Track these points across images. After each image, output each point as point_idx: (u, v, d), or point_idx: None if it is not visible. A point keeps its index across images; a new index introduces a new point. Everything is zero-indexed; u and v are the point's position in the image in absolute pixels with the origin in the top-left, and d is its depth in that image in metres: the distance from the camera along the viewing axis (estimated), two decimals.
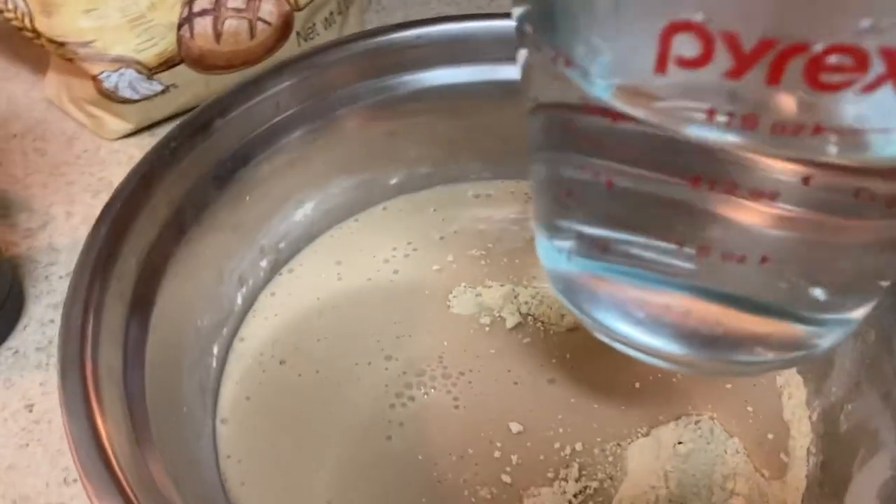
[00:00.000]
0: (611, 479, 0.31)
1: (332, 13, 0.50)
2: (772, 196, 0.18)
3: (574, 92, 0.19)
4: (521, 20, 0.21)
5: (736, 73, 0.16)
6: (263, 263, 0.36)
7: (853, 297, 0.23)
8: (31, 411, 0.36)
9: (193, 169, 0.32)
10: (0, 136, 0.48)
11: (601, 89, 0.18)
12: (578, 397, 0.33)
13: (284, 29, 0.47)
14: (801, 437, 0.32)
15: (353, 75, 0.36)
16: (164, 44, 0.44)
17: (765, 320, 0.23)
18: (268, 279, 0.37)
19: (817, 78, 0.15)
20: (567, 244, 0.24)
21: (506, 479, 0.31)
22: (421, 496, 0.31)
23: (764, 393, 0.33)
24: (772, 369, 0.25)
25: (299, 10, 0.47)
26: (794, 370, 0.34)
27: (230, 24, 0.45)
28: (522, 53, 0.21)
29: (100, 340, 0.26)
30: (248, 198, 0.34)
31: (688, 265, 0.21)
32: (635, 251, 0.22)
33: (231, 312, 0.35)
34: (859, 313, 0.24)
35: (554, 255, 0.25)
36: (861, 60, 0.15)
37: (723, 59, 0.16)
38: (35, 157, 0.47)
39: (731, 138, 0.17)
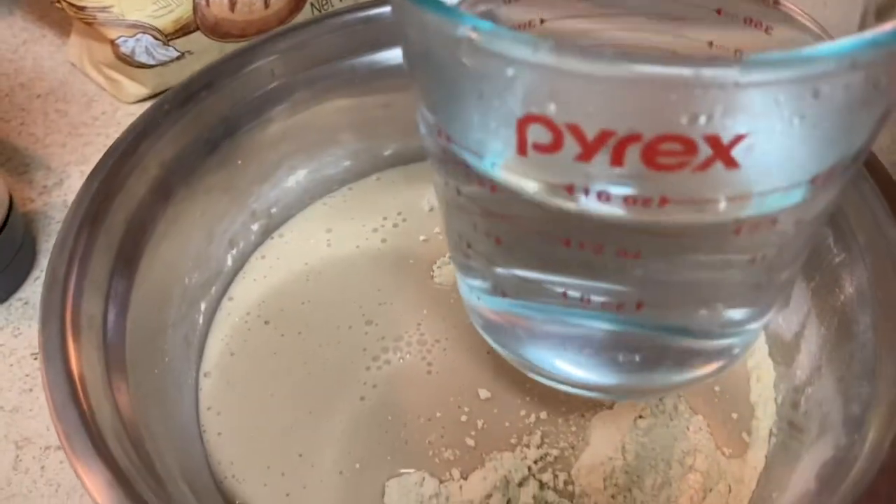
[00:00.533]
0: (572, 448, 0.32)
1: None
2: (636, 255, 0.20)
3: (456, 160, 0.21)
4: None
5: (584, 157, 0.18)
6: (255, 227, 0.38)
7: (744, 316, 0.25)
8: (36, 359, 0.38)
9: (186, 132, 0.33)
10: (24, 97, 0.50)
11: (486, 165, 0.20)
12: None
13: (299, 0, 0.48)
14: (766, 418, 0.33)
15: (349, 46, 0.37)
16: (181, 11, 0.45)
17: (673, 340, 0.25)
18: (258, 243, 0.38)
19: (654, 160, 0.17)
20: (476, 283, 0.26)
21: (470, 442, 0.32)
22: (386, 454, 0.32)
23: (733, 375, 0.34)
24: (693, 383, 0.27)
25: None
26: (765, 354, 0.34)
27: None
28: (418, 117, 0.23)
29: (83, 289, 0.28)
30: (239, 162, 0.35)
31: (584, 309, 0.23)
32: (532, 292, 0.24)
33: (220, 272, 0.36)
34: (759, 324, 0.25)
35: (468, 292, 0.27)
36: (689, 146, 0.17)
37: (571, 145, 0.18)
38: (56, 118, 0.49)
39: (590, 208, 0.19)
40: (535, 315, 0.25)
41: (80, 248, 0.29)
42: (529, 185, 0.20)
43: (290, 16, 0.49)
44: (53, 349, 0.26)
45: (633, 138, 0.17)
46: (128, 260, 0.30)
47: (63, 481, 0.34)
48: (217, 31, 0.47)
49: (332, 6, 0.51)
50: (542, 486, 0.31)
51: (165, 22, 0.45)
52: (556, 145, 0.18)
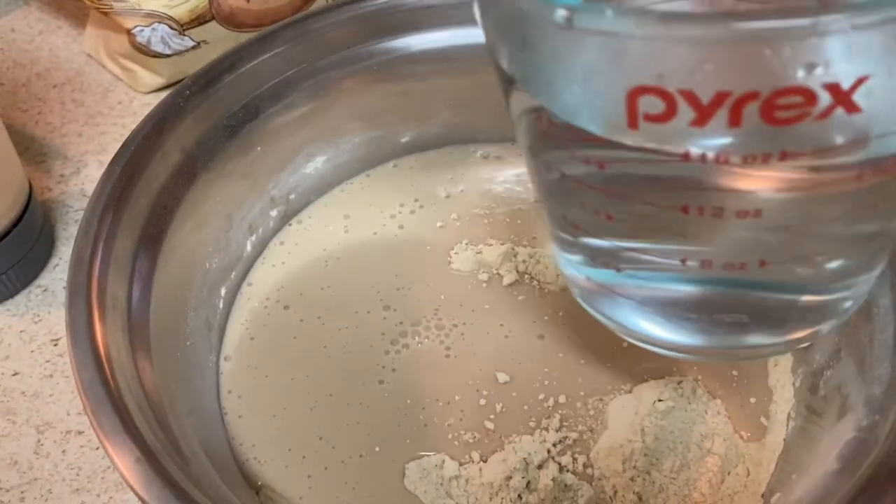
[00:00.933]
0: (591, 431, 0.32)
1: None
2: (757, 213, 0.20)
3: (563, 145, 0.21)
4: (505, 76, 0.22)
5: (699, 122, 0.17)
6: (273, 213, 0.38)
7: (860, 266, 0.24)
8: (56, 345, 0.39)
9: (205, 118, 0.33)
10: (41, 87, 0.50)
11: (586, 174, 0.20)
12: (566, 353, 0.34)
13: None
14: (784, 402, 0.33)
15: (367, 33, 0.37)
16: (196, 0, 0.45)
17: (784, 299, 0.24)
18: (277, 229, 0.39)
19: (773, 116, 0.17)
20: (579, 258, 0.26)
21: (489, 425, 0.33)
22: (406, 437, 0.32)
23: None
24: (800, 345, 0.27)
25: None
26: None
27: None
28: (512, 102, 0.23)
29: (108, 270, 0.28)
30: (258, 148, 0.36)
31: (699, 275, 0.22)
32: (646, 267, 0.24)
33: (240, 258, 0.37)
34: (873, 274, 0.24)
35: (568, 265, 0.27)
36: (809, 97, 0.17)
37: (686, 111, 0.17)
38: (72, 108, 0.49)
39: (707, 172, 0.19)
40: (645, 283, 0.25)
41: (104, 230, 0.29)
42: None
43: (304, 5, 0.49)
44: (81, 328, 0.26)
45: (750, 96, 0.17)
46: (150, 243, 0.31)
47: (84, 465, 0.35)
48: (232, 20, 0.48)
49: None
50: (561, 468, 0.31)
51: (181, 11, 0.46)
52: (669, 114, 0.17)
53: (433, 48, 0.38)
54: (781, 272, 0.23)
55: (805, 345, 0.28)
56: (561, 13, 0.17)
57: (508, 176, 0.40)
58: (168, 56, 0.47)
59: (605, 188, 0.22)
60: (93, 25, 0.50)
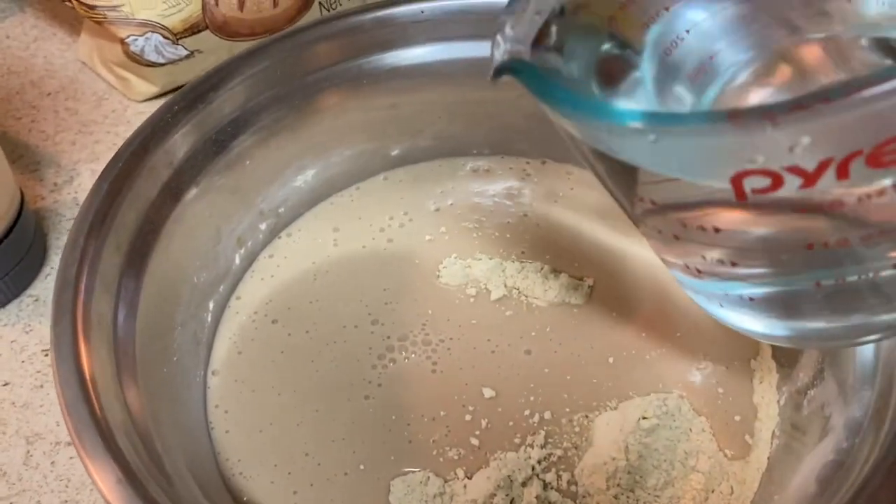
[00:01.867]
0: (575, 448, 0.32)
1: None
2: (881, 233, 0.20)
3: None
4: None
5: (808, 184, 0.18)
6: (262, 227, 0.38)
7: None
8: (46, 355, 0.39)
9: (194, 133, 0.33)
10: (35, 95, 0.50)
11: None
12: (552, 368, 0.34)
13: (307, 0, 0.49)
14: (768, 419, 0.33)
15: (357, 47, 0.37)
16: (190, 10, 0.45)
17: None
18: (266, 242, 0.39)
19: (881, 161, 0.17)
20: (717, 299, 0.26)
21: (474, 441, 0.33)
22: (391, 453, 0.32)
23: (736, 376, 0.34)
24: None
25: None
26: (769, 355, 0.34)
27: None
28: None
29: (94, 288, 0.28)
30: (247, 162, 0.36)
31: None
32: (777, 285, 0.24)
33: (228, 272, 0.37)
34: None
35: (712, 308, 0.27)
36: None
37: (792, 181, 0.18)
38: (66, 116, 0.49)
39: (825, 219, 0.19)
40: (782, 298, 0.25)
41: (90, 247, 0.29)
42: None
43: (298, 15, 0.49)
44: (65, 348, 0.26)
45: (854, 155, 0.17)
46: (137, 259, 0.31)
47: (73, 476, 0.35)
48: (226, 30, 0.48)
49: (341, 5, 0.51)
50: (545, 485, 0.31)
51: (174, 21, 0.46)
52: (776, 186, 0.18)
53: (423, 62, 0.38)
54: None
55: None
56: (644, 132, 0.17)
57: (498, 190, 0.41)
58: (162, 65, 0.47)
59: (725, 245, 0.22)
60: (87, 34, 0.50)
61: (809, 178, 0.18)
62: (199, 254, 0.34)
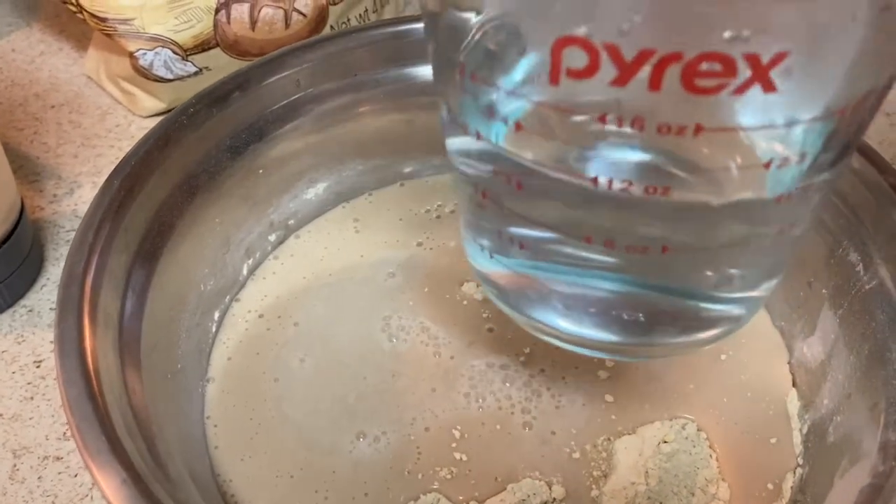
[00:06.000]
0: (593, 472, 0.31)
1: (367, 10, 0.51)
2: (664, 190, 0.20)
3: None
4: (426, 27, 0.22)
5: (620, 81, 0.17)
6: (272, 238, 0.37)
7: (755, 280, 0.24)
8: (38, 367, 0.37)
9: (209, 137, 0.33)
10: (38, 107, 0.49)
11: (496, 134, 0.20)
12: (567, 390, 0.33)
13: (319, 21, 0.49)
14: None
15: (375, 61, 0.37)
16: (201, 27, 0.45)
17: (681, 303, 0.24)
18: (274, 249, 0.38)
19: (693, 83, 0.17)
20: (488, 243, 0.25)
21: (485, 465, 0.31)
22: (400, 479, 0.31)
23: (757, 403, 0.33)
24: (698, 346, 0.26)
25: (335, 4, 0.48)
26: (789, 382, 0.34)
27: (266, 12, 0.46)
28: (430, 50, 0.23)
29: (101, 284, 0.27)
30: (260, 171, 0.35)
31: (602, 258, 0.22)
32: (551, 247, 0.23)
33: (235, 282, 0.36)
34: (767, 289, 0.25)
35: (478, 254, 0.27)
36: (729, 66, 0.17)
37: (608, 69, 0.17)
38: (69, 129, 0.48)
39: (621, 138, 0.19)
40: (547, 273, 0.24)
41: (99, 243, 0.28)
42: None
43: (309, 37, 0.49)
44: (70, 342, 0.25)
45: (673, 57, 0.17)
46: (146, 259, 0.30)
47: (60, 492, 0.33)
48: (236, 48, 0.47)
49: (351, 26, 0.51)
50: None
51: (185, 37, 0.45)
52: (591, 69, 0.17)
53: None
54: (681, 267, 0.23)
55: (705, 346, 0.27)
56: None
57: None
58: (170, 81, 0.47)
59: (515, 160, 0.21)
60: (95, 47, 0.49)
61: (624, 71, 0.17)
62: (207, 261, 0.33)
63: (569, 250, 0.23)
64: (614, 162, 0.20)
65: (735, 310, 0.25)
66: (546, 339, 0.26)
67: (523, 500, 0.30)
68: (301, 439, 0.32)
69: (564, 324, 0.25)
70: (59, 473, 0.34)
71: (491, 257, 0.26)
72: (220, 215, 0.34)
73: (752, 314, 0.25)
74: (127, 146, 0.47)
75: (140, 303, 0.29)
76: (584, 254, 0.22)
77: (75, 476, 0.34)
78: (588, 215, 0.22)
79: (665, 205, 0.20)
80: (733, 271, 0.23)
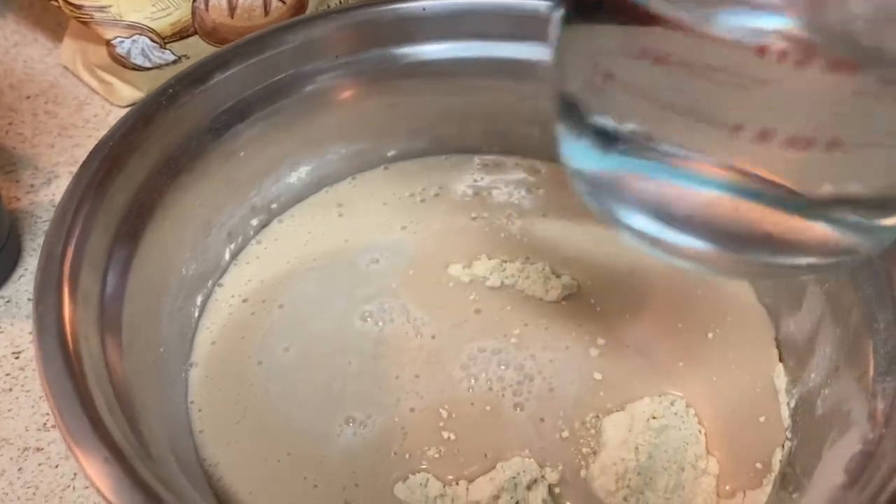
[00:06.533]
0: (582, 449, 0.31)
1: None
2: (854, 66, 0.17)
3: None
4: None
5: None
6: (254, 222, 0.37)
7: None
8: (17, 358, 0.37)
9: (189, 118, 0.32)
10: (13, 98, 0.49)
11: None
12: (556, 369, 0.33)
13: (299, 8, 0.48)
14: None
15: (356, 43, 0.36)
16: (179, 14, 0.45)
17: (802, 222, 0.22)
18: (256, 234, 0.37)
19: None
20: (597, 140, 0.23)
21: (471, 443, 0.31)
22: (387, 458, 0.31)
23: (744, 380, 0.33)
24: (809, 273, 0.24)
25: None
26: (775, 358, 0.34)
27: None
28: None
29: (81, 264, 0.27)
30: (242, 153, 0.34)
31: (728, 158, 0.20)
32: (676, 140, 0.21)
33: (217, 266, 0.35)
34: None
35: (581, 152, 0.24)
36: None
37: None
38: (45, 119, 0.47)
39: None
40: (665, 173, 0.22)
41: (78, 223, 0.27)
42: None
43: None
44: (49, 321, 0.25)
45: None
46: (126, 241, 0.29)
47: (41, 484, 0.33)
48: (215, 36, 0.47)
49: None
50: (551, 488, 0.30)
51: (163, 24, 0.45)
52: None
53: (424, 60, 0.37)
54: (829, 171, 0.20)
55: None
56: None
57: (503, 188, 0.39)
58: (147, 69, 0.46)
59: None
60: (71, 37, 0.49)
61: None
62: (188, 244, 0.33)
63: (698, 145, 0.20)
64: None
65: (856, 238, 0.22)
66: (643, 246, 0.24)
67: (513, 477, 0.30)
68: (288, 424, 0.31)
69: (668, 232, 0.22)
70: (40, 465, 0.33)
71: (600, 157, 0.23)
72: (201, 198, 0.33)
73: (876, 248, 0.23)
74: None
75: (121, 284, 0.28)
76: (716, 152, 0.20)
77: (56, 467, 0.33)
78: (747, 98, 0.19)
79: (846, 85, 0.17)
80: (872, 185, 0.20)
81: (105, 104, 0.48)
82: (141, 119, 0.31)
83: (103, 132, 0.46)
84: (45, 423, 0.35)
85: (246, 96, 0.34)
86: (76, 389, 0.23)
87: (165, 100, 0.32)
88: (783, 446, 0.31)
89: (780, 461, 0.31)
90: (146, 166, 0.31)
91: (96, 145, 0.30)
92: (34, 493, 0.32)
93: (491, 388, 0.32)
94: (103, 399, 0.24)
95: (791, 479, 0.29)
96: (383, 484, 0.30)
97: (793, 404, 0.32)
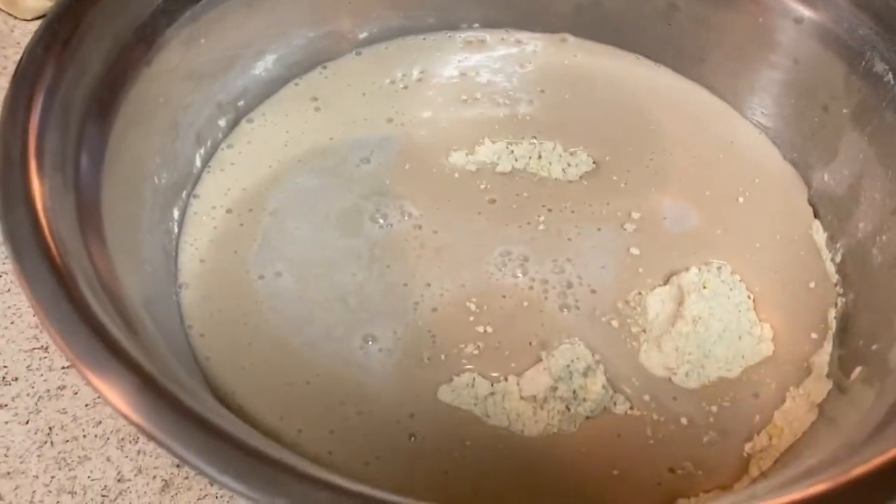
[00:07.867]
0: (631, 328, 0.28)
1: None
2: None
3: None
4: None
5: None
6: (222, 122, 0.32)
7: None
8: None
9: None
10: None
11: None
12: (586, 247, 0.30)
13: None
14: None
15: None
16: None
17: None
18: (226, 137, 0.32)
19: None
20: None
21: (519, 338, 0.28)
22: (423, 358, 0.27)
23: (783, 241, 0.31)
24: None
25: None
26: (811, 214, 0.32)
27: None
28: None
29: (44, 174, 0.22)
30: (202, 41, 0.30)
31: None
32: None
33: (189, 174, 0.31)
34: None
35: None
36: None
37: None
38: None
39: None
40: None
41: (33, 122, 0.22)
42: None
43: None
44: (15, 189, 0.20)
45: None
46: (92, 147, 0.24)
47: (13, 444, 0.29)
48: None
49: None
50: (607, 374, 0.27)
51: None
52: None
53: None
54: None
55: None
56: None
57: (494, 65, 0.36)
58: None
59: None
60: None
61: None
62: (157, 149, 0.28)
63: None
64: None
65: None
66: None
67: (567, 365, 0.27)
68: (304, 343, 0.27)
69: None
70: (7, 423, 0.29)
71: None
72: (164, 94, 0.28)
73: None
74: (13, 54, 0.41)
75: (94, 202, 0.23)
76: None
77: (26, 423, 0.29)
78: None
79: None
80: None
81: (8, 19, 0.42)
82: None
83: (10, 50, 0.41)
84: (3, 377, 0.30)
85: None
86: (76, 311, 0.19)
87: None
88: (836, 304, 0.29)
89: (835, 318, 0.29)
90: (100, 57, 0.25)
91: (42, 26, 0.25)
92: (6, 455, 0.28)
93: (514, 274, 0.29)
94: (107, 318, 0.20)
95: (853, 347, 0.27)
96: (426, 392, 0.26)
97: (838, 259, 0.30)
